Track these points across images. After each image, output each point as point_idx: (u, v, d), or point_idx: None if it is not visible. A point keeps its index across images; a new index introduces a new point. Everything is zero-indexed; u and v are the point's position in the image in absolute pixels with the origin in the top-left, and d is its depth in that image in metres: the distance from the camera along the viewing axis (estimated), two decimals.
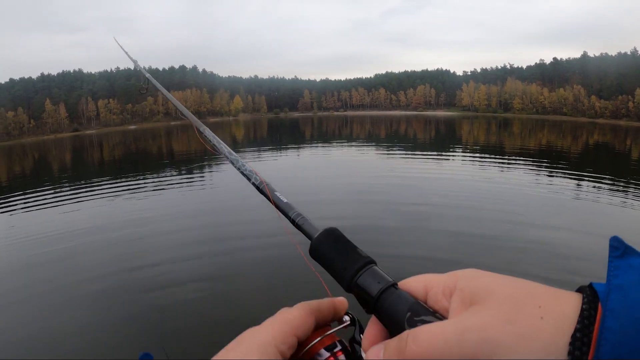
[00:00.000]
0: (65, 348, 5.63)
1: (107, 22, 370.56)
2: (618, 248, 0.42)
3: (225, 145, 1.18)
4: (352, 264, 0.60)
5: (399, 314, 0.52)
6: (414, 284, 0.54)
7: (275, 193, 0.90)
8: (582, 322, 0.39)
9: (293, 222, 0.80)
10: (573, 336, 0.38)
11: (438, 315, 0.49)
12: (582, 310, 0.40)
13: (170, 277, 7.72)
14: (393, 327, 0.52)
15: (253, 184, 0.98)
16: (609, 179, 17.03)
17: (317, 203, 12.69)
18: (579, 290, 0.43)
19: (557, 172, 19.27)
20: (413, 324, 0.49)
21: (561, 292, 0.43)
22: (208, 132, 1.28)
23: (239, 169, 1.07)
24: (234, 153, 1.12)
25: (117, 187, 18.43)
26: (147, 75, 1.67)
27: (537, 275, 6.96)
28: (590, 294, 0.41)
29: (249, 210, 11.50)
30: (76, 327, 6.14)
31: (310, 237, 0.71)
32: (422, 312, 0.50)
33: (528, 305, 0.42)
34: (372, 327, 0.56)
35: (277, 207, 0.87)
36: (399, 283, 0.56)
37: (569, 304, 0.41)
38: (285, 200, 0.87)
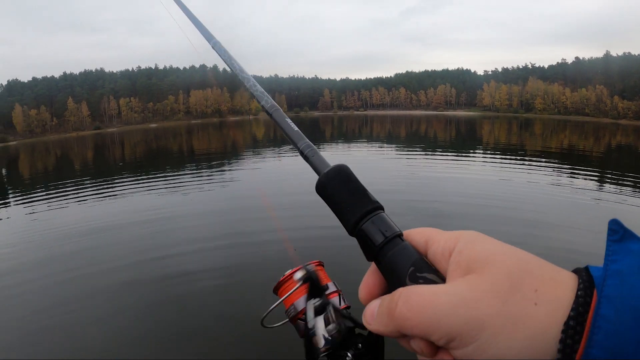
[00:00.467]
0: (82, 338, 5.54)
1: (128, 23, 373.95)
2: (617, 231, 0.41)
3: (237, 61, 1.09)
4: (360, 207, 0.57)
5: (402, 268, 0.50)
6: (417, 237, 0.53)
7: (286, 120, 0.81)
8: (576, 309, 0.37)
9: (302, 153, 0.73)
10: (566, 323, 0.37)
11: (440, 275, 0.48)
12: (577, 296, 0.38)
13: (190, 269, 7.58)
14: (393, 280, 0.51)
15: (263, 107, 0.89)
16: (631, 180, 16.56)
17: None
18: (575, 272, 0.41)
19: (578, 173, 18.78)
20: (415, 280, 0.48)
21: (559, 272, 0.41)
22: (219, 47, 1.16)
23: (249, 89, 0.99)
24: (245, 71, 1.03)
25: (138, 183, 18.41)
26: None
27: None
28: (586, 279, 0.39)
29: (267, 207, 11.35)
30: (94, 317, 6.07)
31: (318, 172, 0.66)
32: (425, 269, 0.49)
33: (524, 287, 0.40)
34: (371, 276, 0.55)
35: (286, 134, 0.79)
36: (404, 232, 0.54)
37: (565, 288, 0.39)
38: (295, 129, 0.78)
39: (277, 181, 16.17)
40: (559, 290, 0.39)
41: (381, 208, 0.57)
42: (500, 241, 0.46)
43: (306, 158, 0.71)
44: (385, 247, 0.52)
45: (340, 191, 0.60)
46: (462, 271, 0.44)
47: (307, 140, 0.74)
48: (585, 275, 0.40)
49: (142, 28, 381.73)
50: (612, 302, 0.36)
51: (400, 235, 0.53)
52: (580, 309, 0.37)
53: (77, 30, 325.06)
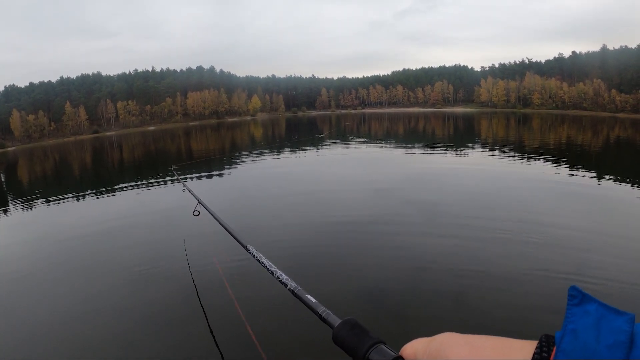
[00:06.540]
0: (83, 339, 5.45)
1: (134, 28, 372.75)
2: (576, 296, 0.50)
3: (267, 260, 1.55)
4: (363, 345, 0.79)
5: None
6: (408, 351, 0.69)
7: (307, 295, 1.16)
8: None
9: (320, 316, 1.05)
10: None
11: None
12: (533, 354, 0.48)
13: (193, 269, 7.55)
14: None
15: (289, 289, 1.27)
16: (630, 174, 16.54)
17: (336, 199, 12.80)
18: (543, 336, 0.51)
19: (577, 167, 18.83)
20: None
21: (516, 348, 0.52)
22: (253, 249, 1.69)
23: (274, 273, 1.39)
24: (273, 266, 1.46)
25: (135, 185, 18.39)
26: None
27: (547, 269, 7.01)
28: (545, 341, 0.49)
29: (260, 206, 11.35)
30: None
31: (332, 327, 0.94)
32: None
33: None
34: None
35: (306, 304, 1.14)
36: (401, 350, 0.71)
37: (521, 356, 0.50)
38: (314, 300, 1.13)
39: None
40: (515, 356, 0.51)
41: (380, 342, 0.79)
42: (466, 338, 0.58)
43: (323, 319, 1.03)
44: None
45: (349, 336, 0.84)
46: None
47: (323, 307, 1.07)
48: (544, 339, 0.50)
49: (147, 33, 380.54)
50: (567, 354, 0.45)
51: (397, 358, 0.71)
52: None
53: (86, 36, 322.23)
